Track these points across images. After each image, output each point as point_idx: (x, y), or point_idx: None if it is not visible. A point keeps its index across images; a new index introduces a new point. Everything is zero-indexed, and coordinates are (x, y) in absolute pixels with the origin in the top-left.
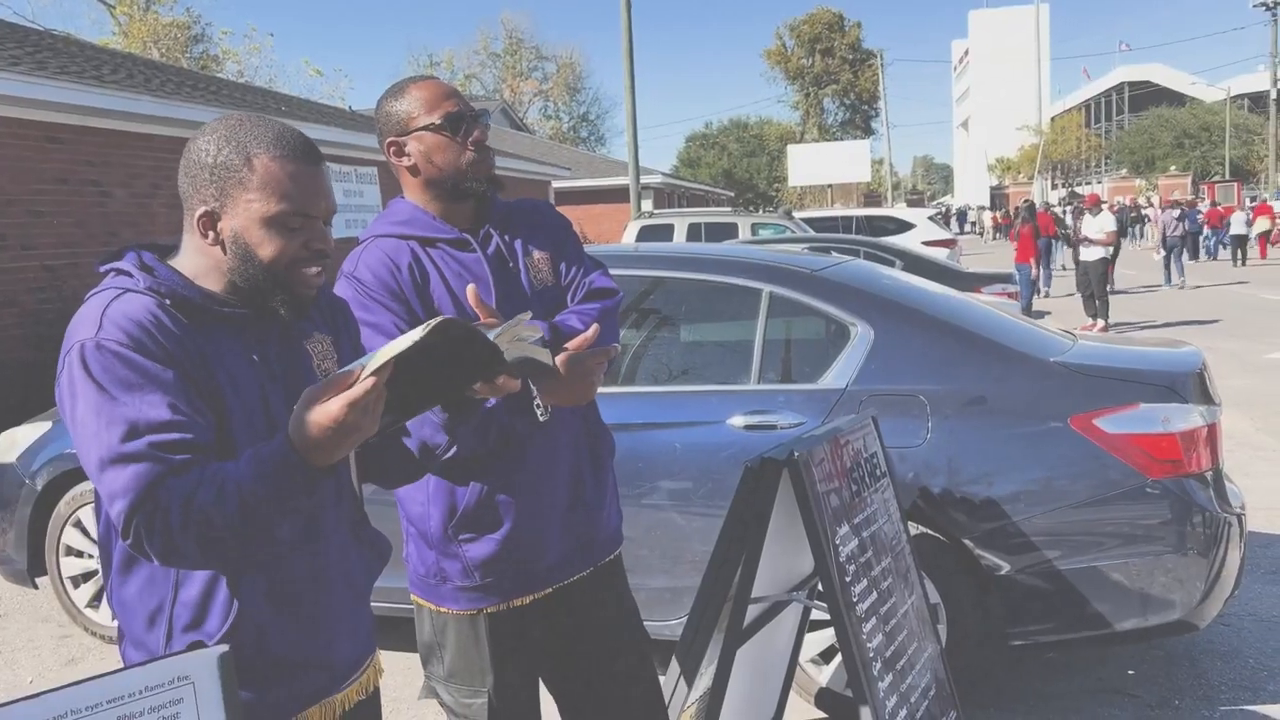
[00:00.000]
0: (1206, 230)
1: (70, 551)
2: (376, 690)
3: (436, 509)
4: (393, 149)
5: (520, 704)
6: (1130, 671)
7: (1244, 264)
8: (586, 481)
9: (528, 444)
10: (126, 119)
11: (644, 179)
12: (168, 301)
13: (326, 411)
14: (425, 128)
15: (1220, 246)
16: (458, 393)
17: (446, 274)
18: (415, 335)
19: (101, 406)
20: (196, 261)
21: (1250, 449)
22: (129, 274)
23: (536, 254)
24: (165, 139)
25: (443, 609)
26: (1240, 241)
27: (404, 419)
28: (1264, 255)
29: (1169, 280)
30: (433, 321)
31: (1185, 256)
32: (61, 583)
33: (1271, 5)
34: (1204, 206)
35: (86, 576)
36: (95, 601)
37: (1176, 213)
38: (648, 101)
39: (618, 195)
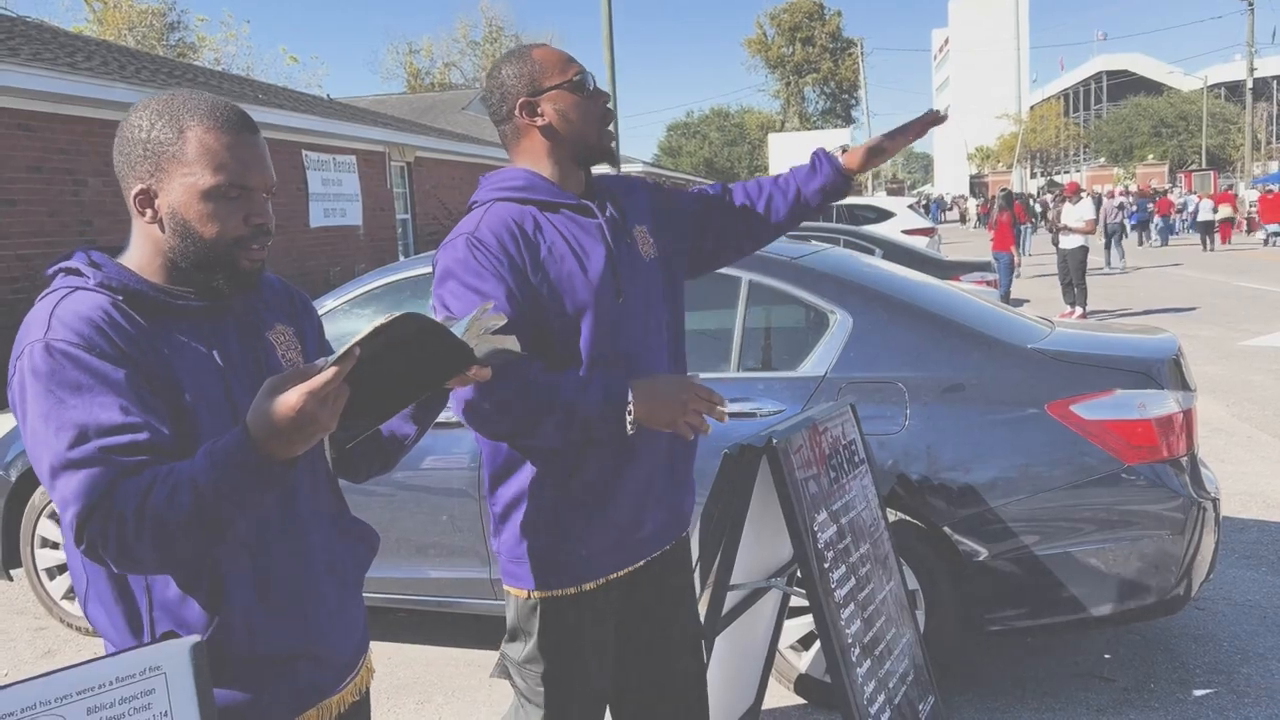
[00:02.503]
0: (1158, 218)
1: (46, 543)
2: (367, 691)
3: (549, 484)
4: (524, 109)
5: (594, 695)
6: (1107, 655)
7: (1212, 249)
8: (680, 453)
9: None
10: (100, 106)
11: (625, 168)
12: (120, 298)
13: (285, 401)
14: (562, 85)
15: (1169, 233)
16: (426, 391)
17: (570, 239)
18: (377, 322)
19: (50, 412)
20: (143, 251)
21: (1225, 435)
22: (79, 272)
23: (641, 227)
24: None
25: (534, 593)
26: (1207, 228)
27: (375, 423)
28: (1224, 241)
29: (1109, 263)
30: (395, 314)
31: (1125, 240)
32: (37, 575)
33: None
34: (1187, 196)
35: (62, 568)
36: (71, 593)
37: (1117, 202)
38: (628, 90)
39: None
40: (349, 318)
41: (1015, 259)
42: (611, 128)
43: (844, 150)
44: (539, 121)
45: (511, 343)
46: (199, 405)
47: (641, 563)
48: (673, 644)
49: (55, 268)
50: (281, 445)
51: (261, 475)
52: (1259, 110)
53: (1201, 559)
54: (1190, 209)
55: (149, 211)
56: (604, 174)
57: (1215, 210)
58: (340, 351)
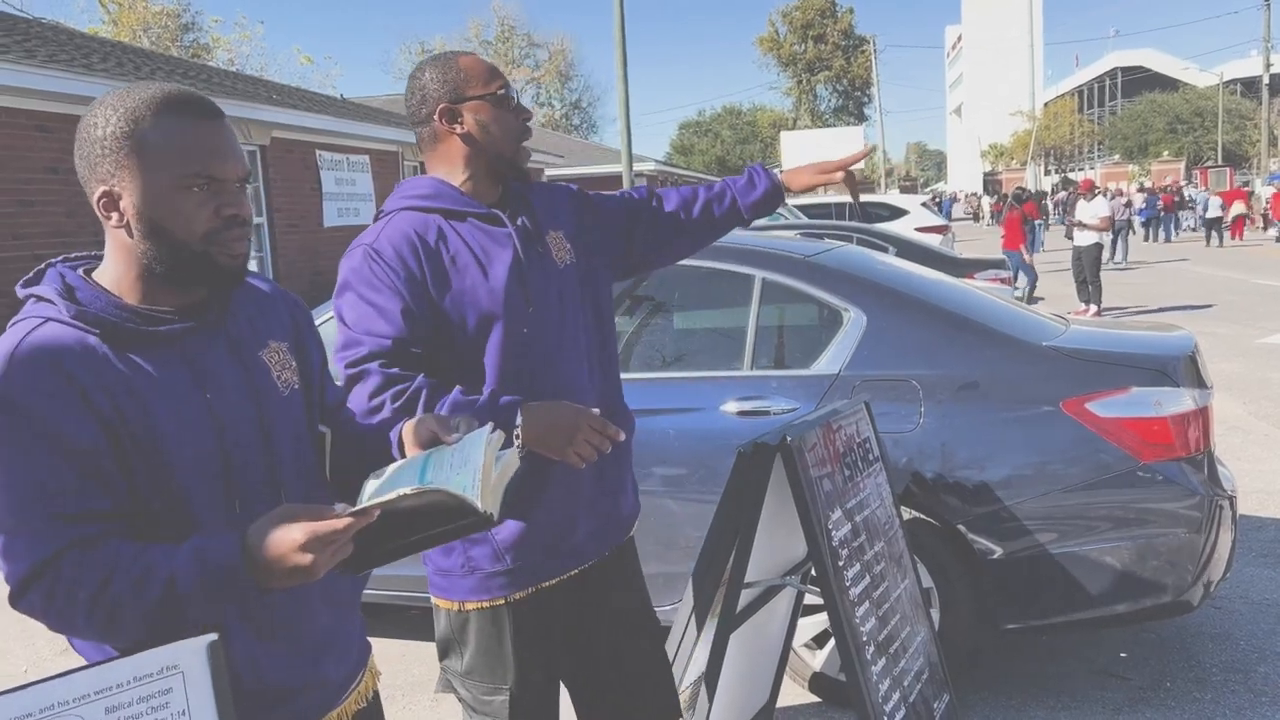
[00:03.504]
0: (1164, 215)
1: None
2: (376, 694)
3: None
4: (444, 115)
5: (541, 700)
6: (1123, 654)
7: (1220, 245)
8: (609, 460)
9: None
10: None
11: (637, 166)
12: (96, 332)
13: (289, 536)
14: (485, 97)
15: (1175, 229)
16: (434, 545)
17: (475, 248)
18: (403, 490)
19: (3, 464)
20: (118, 262)
21: (1242, 433)
22: (49, 300)
23: (555, 233)
24: None
25: (465, 605)
26: (1214, 224)
27: (377, 565)
28: (1235, 237)
29: (1111, 258)
30: (422, 487)
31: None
32: None
33: None
34: (1200, 192)
35: None
36: None
37: (1125, 199)
38: (640, 89)
39: (611, 183)
40: None
41: (1025, 257)
42: (528, 144)
43: (779, 171)
44: (458, 129)
45: (513, 468)
46: (179, 442)
47: (576, 570)
48: (629, 644)
49: (26, 291)
50: (266, 576)
51: (239, 592)
52: (1275, 106)
53: (1218, 557)
54: (1201, 206)
55: (114, 215)
56: (525, 181)
57: (1224, 207)
58: (359, 507)
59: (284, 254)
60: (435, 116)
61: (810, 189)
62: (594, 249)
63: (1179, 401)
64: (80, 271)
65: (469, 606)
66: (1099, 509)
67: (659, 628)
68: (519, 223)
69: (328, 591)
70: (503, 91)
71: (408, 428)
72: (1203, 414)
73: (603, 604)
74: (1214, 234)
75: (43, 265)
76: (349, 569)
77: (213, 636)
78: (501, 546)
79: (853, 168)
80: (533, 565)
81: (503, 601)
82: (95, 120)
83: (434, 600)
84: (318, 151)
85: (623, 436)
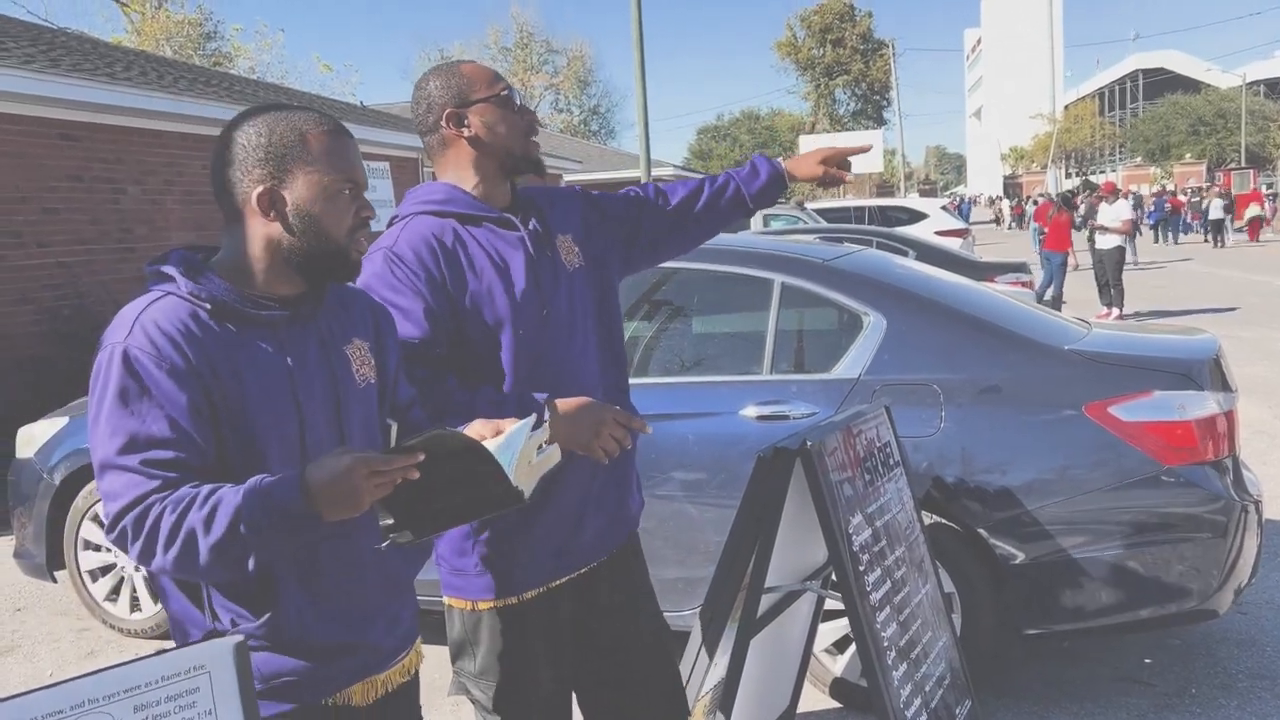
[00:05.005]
0: (1171, 217)
1: (88, 546)
2: (416, 673)
3: None
4: (451, 120)
5: (553, 698)
6: (1147, 660)
7: (1222, 246)
8: (617, 459)
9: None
10: (139, 115)
11: (655, 171)
12: (208, 308)
13: (341, 463)
14: (489, 99)
15: (1182, 231)
16: (469, 519)
17: (491, 252)
18: (442, 433)
19: (112, 414)
20: (248, 251)
21: (1268, 437)
22: (171, 278)
23: (564, 236)
24: (178, 135)
25: (478, 605)
26: (1217, 226)
27: (412, 537)
28: (1253, 238)
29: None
30: (480, 445)
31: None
32: (80, 577)
33: None
34: (1219, 195)
35: (105, 570)
36: (113, 595)
37: (1131, 201)
38: (658, 94)
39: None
40: None
41: (1071, 259)
42: (537, 139)
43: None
44: (465, 133)
45: (553, 460)
46: (264, 416)
47: (585, 569)
48: (634, 641)
49: (152, 267)
50: (318, 502)
51: (297, 523)
52: None
53: (1244, 562)
54: (1190, 209)
55: (273, 211)
56: (531, 186)
57: (1227, 209)
58: (404, 444)
59: None
60: (443, 122)
61: (813, 177)
62: (602, 250)
63: (1203, 405)
64: (200, 257)
65: (483, 606)
66: (1122, 514)
67: (664, 626)
68: (530, 226)
69: (381, 565)
70: (506, 93)
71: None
72: (1227, 418)
73: (610, 602)
74: (1217, 236)
75: (167, 249)
76: (401, 538)
77: (239, 637)
78: (515, 546)
79: (869, 171)
80: (544, 564)
81: (515, 600)
82: (254, 132)
83: (447, 601)
84: None
85: (649, 429)
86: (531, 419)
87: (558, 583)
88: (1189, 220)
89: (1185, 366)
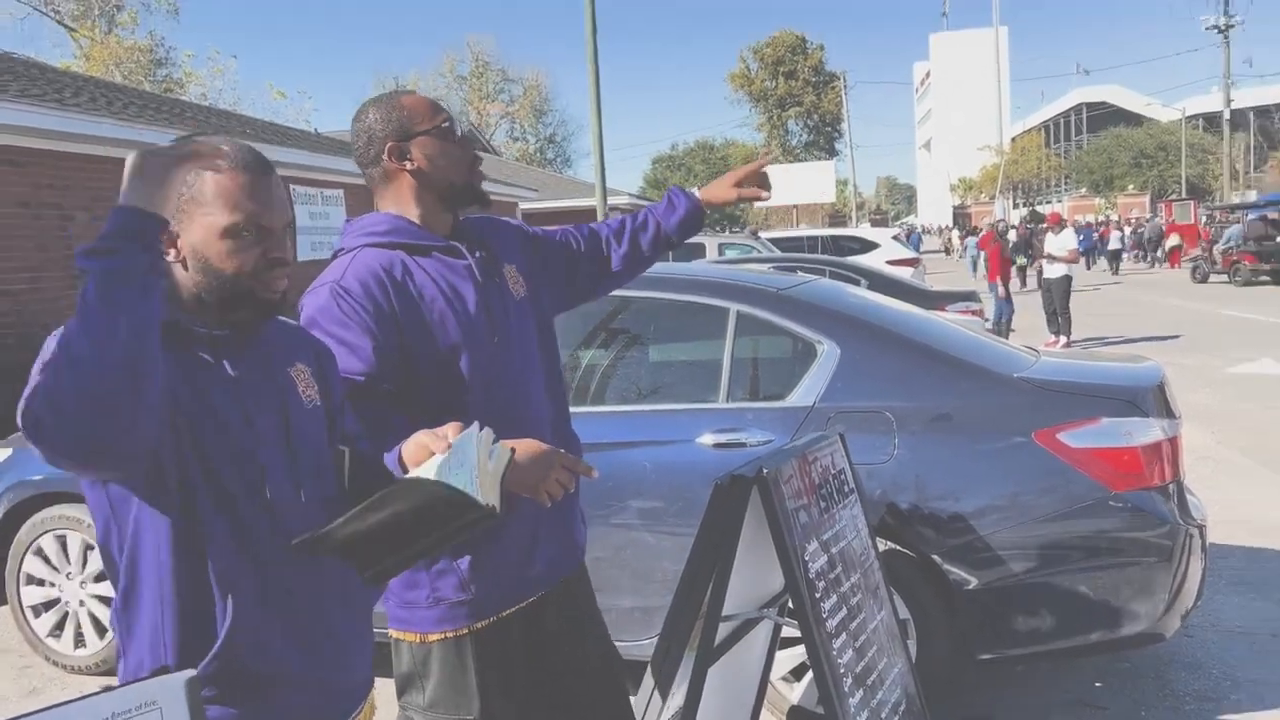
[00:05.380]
0: (1100, 246)
1: (31, 580)
2: None
3: None
4: (393, 153)
5: None
6: (1097, 684)
7: (1117, 273)
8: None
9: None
10: (89, 142)
11: (611, 200)
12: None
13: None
14: (430, 131)
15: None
16: (441, 548)
17: (440, 282)
18: (427, 481)
19: None
20: (171, 285)
21: (1211, 462)
22: None
23: (510, 266)
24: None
25: (428, 637)
26: (1115, 255)
27: (385, 578)
28: (1173, 265)
29: (1036, 285)
30: (458, 492)
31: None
32: (22, 612)
33: (1223, 28)
34: (1162, 222)
35: (48, 605)
36: (57, 630)
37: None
38: (614, 124)
39: (585, 216)
40: None
41: (1000, 290)
42: (482, 169)
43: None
44: (408, 166)
45: (504, 455)
46: (217, 428)
47: (535, 598)
48: (583, 665)
49: None
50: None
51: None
52: (1236, 141)
53: (1189, 586)
54: (1085, 238)
55: (173, 251)
56: (471, 215)
57: (1125, 240)
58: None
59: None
60: (385, 156)
61: (729, 201)
62: (542, 282)
63: (1148, 432)
64: None
65: (432, 638)
66: (1072, 539)
67: (613, 649)
68: (477, 255)
69: (345, 591)
70: (446, 124)
71: (404, 447)
72: (1172, 444)
73: (558, 627)
74: (1114, 263)
75: None
76: (370, 581)
77: (191, 673)
78: (466, 577)
79: (821, 201)
80: (495, 594)
81: (466, 631)
82: None
83: (394, 634)
84: (291, 185)
85: (595, 473)
86: (474, 427)
87: (509, 611)
88: (1128, 247)
89: (1131, 394)
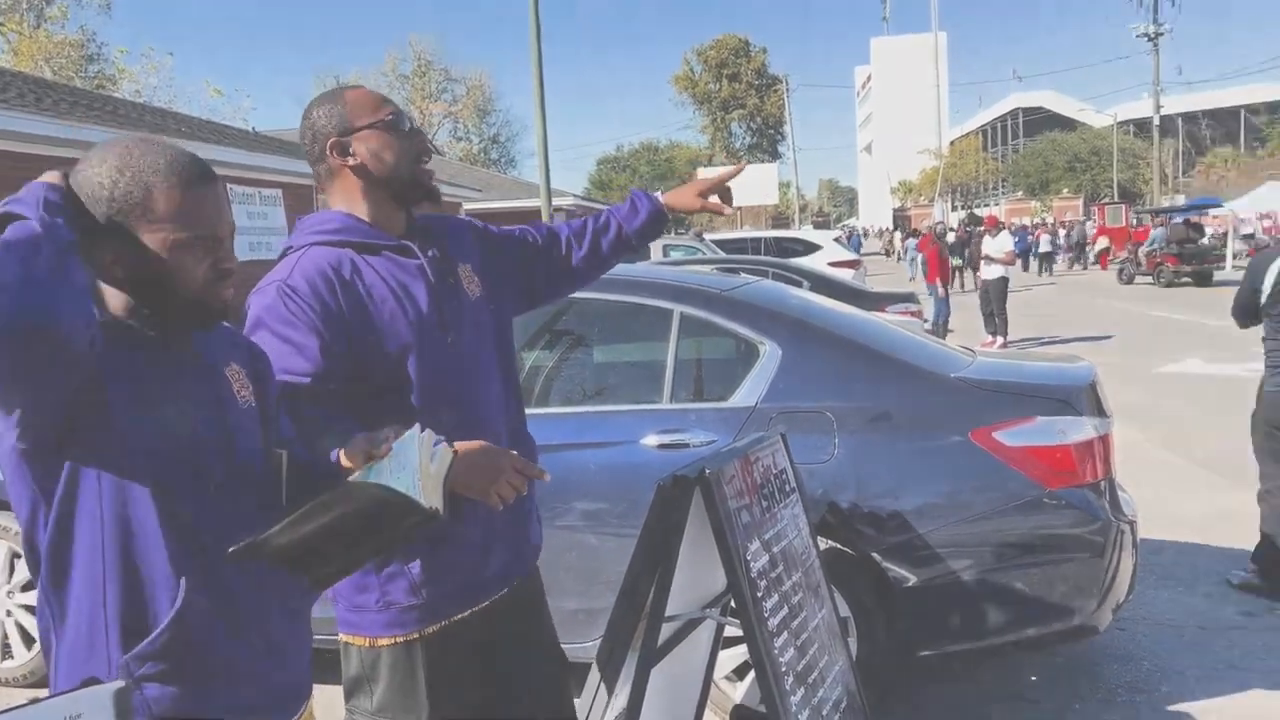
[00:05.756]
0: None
1: None
2: None
3: None
4: (335, 149)
5: None
6: (1033, 678)
7: (1049, 274)
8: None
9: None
10: (19, 139)
11: (556, 201)
12: None
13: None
14: (373, 125)
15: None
16: (385, 551)
17: (390, 281)
18: (371, 485)
19: None
20: (110, 295)
21: (1141, 459)
22: None
23: (465, 265)
24: (60, 160)
25: (378, 641)
26: (1047, 257)
27: (329, 582)
28: (1103, 267)
29: (971, 287)
30: (399, 495)
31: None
32: None
33: (1152, 36)
34: (1092, 226)
35: None
36: None
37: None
38: (558, 124)
39: (529, 217)
40: None
41: (940, 290)
42: (430, 166)
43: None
44: (351, 161)
45: (446, 457)
46: (155, 426)
47: (487, 602)
48: (533, 672)
49: None
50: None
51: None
52: (1166, 146)
53: (1121, 580)
54: (1021, 241)
55: (106, 259)
56: (427, 214)
57: (1053, 242)
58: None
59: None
60: (328, 152)
61: (691, 210)
62: (499, 282)
63: (1081, 430)
64: None
65: (382, 642)
66: (1008, 536)
67: (562, 657)
68: (430, 254)
69: (283, 591)
70: (391, 118)
71: (343, 450)
72: (1104, 442)
73: (510, 631)
74: (1045, 267)
75: None
76: (315, 586)
77: (120, 684)
78: (417, 581)
79: (764, 203)
80: (446, 598)
81: (416, 636)
82: (101, 178)
83: (344, 638)
84: (228, 185)
85: (547, 476)
86: (415, 429)
87: (461, 615)
88: (1062, 250)
89: (1065, 393)
